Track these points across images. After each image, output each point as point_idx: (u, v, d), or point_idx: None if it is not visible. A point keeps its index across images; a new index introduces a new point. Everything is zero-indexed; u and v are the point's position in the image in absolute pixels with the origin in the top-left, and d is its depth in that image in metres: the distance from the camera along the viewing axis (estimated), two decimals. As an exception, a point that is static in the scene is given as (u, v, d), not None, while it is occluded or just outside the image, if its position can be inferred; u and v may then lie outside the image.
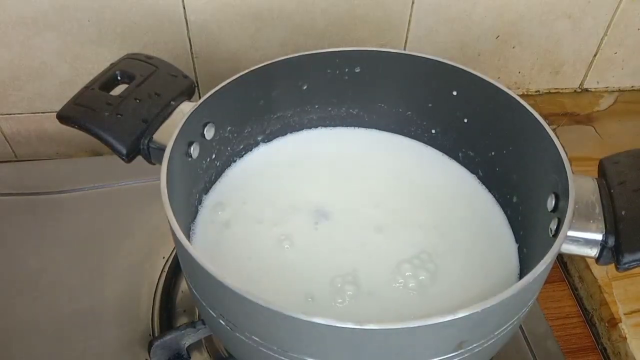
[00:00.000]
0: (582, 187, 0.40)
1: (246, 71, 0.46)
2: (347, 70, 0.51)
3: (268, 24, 0.64)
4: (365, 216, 0.48)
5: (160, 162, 0.40)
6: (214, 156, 0.49)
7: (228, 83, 0.46)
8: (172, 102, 0.45)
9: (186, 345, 0.49)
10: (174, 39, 0.64)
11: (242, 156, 0.53)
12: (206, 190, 0.50)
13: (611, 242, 0.38)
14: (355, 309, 0.42)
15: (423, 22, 0.67)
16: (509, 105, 0.45)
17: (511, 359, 0.50)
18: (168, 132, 0.42)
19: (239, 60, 0.67)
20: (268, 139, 0.54)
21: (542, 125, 0.42)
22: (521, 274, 0.45)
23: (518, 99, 0.45)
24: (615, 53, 0.76)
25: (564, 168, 0.39)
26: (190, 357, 0.50)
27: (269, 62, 0.47)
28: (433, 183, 0.52)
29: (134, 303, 0.54)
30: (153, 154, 0.44)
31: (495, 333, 0.37)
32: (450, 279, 0.44)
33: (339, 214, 0.49)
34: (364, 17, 0.66)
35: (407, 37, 0.68)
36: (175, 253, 0.56)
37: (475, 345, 0.35)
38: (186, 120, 0.43)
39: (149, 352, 0.48)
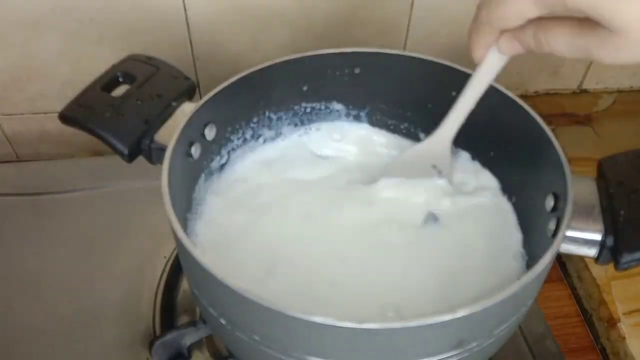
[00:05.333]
0: (581, 187, 0.40)
1: (247, 72, 0.47)
2: (347, 71, 0.51)
3: (269, 25, 0.64)
4: (361, 215, 0.49)
5: (161, 162, 0.40)
6: (214, 156, 0.50)
7: (229, 84, 0.46)
8: (173, 103, 0.45)
9: (187, 345, 0.49)
10: (175, 40, 0.64)
11: (243, 156, 0.53)
12: (207, 190, 0.50)
13: (610, 242, 0.38)
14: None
15: (422, 23, 0.67)
16: (508, 106, 0.46)
17: (510, 358, 0.51)
18: (169, 133, 0.43)
19: (240, 61, 0.67)
20: (269, 139, 0.54)
21: (541, 126, 0.43)
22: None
23: (517, 99, 0.45)
24: (615, 54, 0.76)
25: (563, 168, 0.39)
26: (191, 356, 0.50)
27: (269, 63, 0.47)
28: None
29: (135, 302, 0.54)
30: (154, 154, 0.44)
31: (495, 332, 0.37)
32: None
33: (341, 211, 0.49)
34: (364, 19, 0.66)
35: (406, 38, 0.69)
36: (176, 253, 0.56)
37: (474, 344, 0.36)
38: (187, 120, 0.43)
39: (150, 351, 0.48)
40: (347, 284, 0.43)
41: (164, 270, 0.56)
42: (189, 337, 0.49)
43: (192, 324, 0.48)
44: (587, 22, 0.31)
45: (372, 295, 0.42)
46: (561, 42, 0.33)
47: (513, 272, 0.45)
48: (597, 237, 0.38)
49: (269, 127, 0.53)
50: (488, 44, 0.38)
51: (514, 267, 0.45)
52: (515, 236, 0.47)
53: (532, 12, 0.32)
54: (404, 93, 0.52)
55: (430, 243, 0.47)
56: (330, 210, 0.48)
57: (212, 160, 0.49)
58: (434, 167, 0.48)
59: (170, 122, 0.44)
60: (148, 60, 0.48)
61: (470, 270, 0.44)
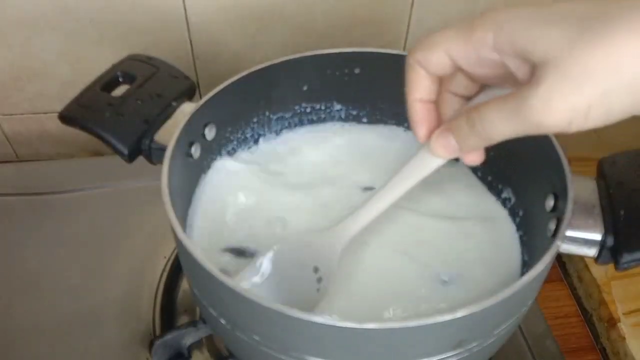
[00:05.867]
0: (581, 187, 0.40)
1: (246, 72, 0.47)
2: (346, 71, 0.51)
3: (268, 25, 0.64)
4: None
5: (161, 162, 0.40)
6: (215, 156, 0.50)
7: (229, 84, 0.46)
8: (173, 103, 0.45)
9: (187, 345, 0.49)
10: (175, 40, 0.64)
11: (242, 156, 0.53)
12: (207, 190, 0.50)
13: (610, 241, 0.38)
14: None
15: (423, 22, 0.67)
16: (508, 105, 0.45)
17: (510, 358, 0.51)
18: (169, 133, 0.43)
19: (240, 61, 0.67)
20: (268, 139, 0.54)
21: (541, 126, 0.43)
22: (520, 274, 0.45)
23: (517, 99, 0.45)
24: (615, 54, 0.76)
25: (563, 168, 0.39)
26: (191, 356, 0.50)
27: (269, 63, 0.48)
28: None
29: (135, 302, 0.54)
30: (154, 154, 0.44)
31: (494, 332, 0.37)
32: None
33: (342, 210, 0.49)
34: (364, 18, 0.66)
35: (406, 38, 0.69)
36: (176, 253, 0.56)
37: (474, 344, 0.36)
38: (187, 120, 0.43)
39: (150, 351, 0.48)
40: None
41: (164, 270, 0.56)
42: (189, 337, 0.49)
43: (192, 324, 0.48)
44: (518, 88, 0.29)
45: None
46: (495, 116, 0.30)
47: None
48: (597, 237, 0.38)
49: (269, 127, 0.53)
50: (422, 93, 0.37)
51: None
52: None
53: (458, 44, 0.31)
54: (404, 93, 0.52)
55: None
56: None
57: (212, 160, 0.49)
58: (316, 269, 0.40)
59: (170, 122, 0.44)
60: (148, 60, 0.48)
61: None
